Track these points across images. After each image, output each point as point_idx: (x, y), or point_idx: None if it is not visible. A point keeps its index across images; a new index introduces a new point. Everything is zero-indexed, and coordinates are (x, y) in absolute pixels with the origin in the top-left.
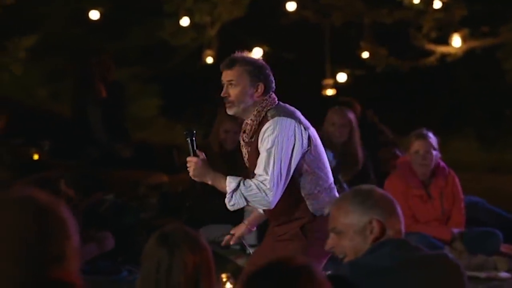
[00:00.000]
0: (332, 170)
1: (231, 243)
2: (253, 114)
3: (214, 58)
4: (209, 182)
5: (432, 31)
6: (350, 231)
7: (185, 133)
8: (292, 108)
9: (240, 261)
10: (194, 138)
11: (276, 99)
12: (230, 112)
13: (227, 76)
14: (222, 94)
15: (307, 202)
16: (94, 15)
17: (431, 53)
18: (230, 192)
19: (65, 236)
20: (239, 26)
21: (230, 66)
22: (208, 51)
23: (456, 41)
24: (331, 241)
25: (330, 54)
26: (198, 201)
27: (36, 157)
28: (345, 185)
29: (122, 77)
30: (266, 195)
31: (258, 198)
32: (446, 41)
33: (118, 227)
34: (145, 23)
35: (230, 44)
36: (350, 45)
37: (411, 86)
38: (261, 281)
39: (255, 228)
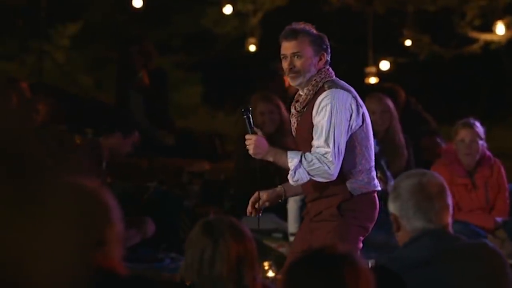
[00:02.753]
0: (375, 155)
1: (253, 214)
2: (311, 84)
3: (257, 47)
4: (270, 159)
5: (476, 19)
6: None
7: (242, 110)
8: (349, 85)
9: (282, 250)
10: (251, 115)
11: (333, 73)
12: (294, 83)
13: (290, 47)
14: (287, 66)
15: (347, 180)
16: (137, 3)
17: (474, 41)
18: (293, 169)
19: (108, 222)
20: (281, 14)
21: (293, 37)
22: (251, 39)
23: (500, 28)
24: None
25: (373, 42)
26: (240, 189)
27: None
28: (388, 173)
29: (164, 65)
30: (329, 168)
31: (320, 172)
32: (489, 29)
33: (161, 214)
34: (188, 11)
35: (273, 32)
36: (393, 33)
37: (454, 74)
38: (304, 269)
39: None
